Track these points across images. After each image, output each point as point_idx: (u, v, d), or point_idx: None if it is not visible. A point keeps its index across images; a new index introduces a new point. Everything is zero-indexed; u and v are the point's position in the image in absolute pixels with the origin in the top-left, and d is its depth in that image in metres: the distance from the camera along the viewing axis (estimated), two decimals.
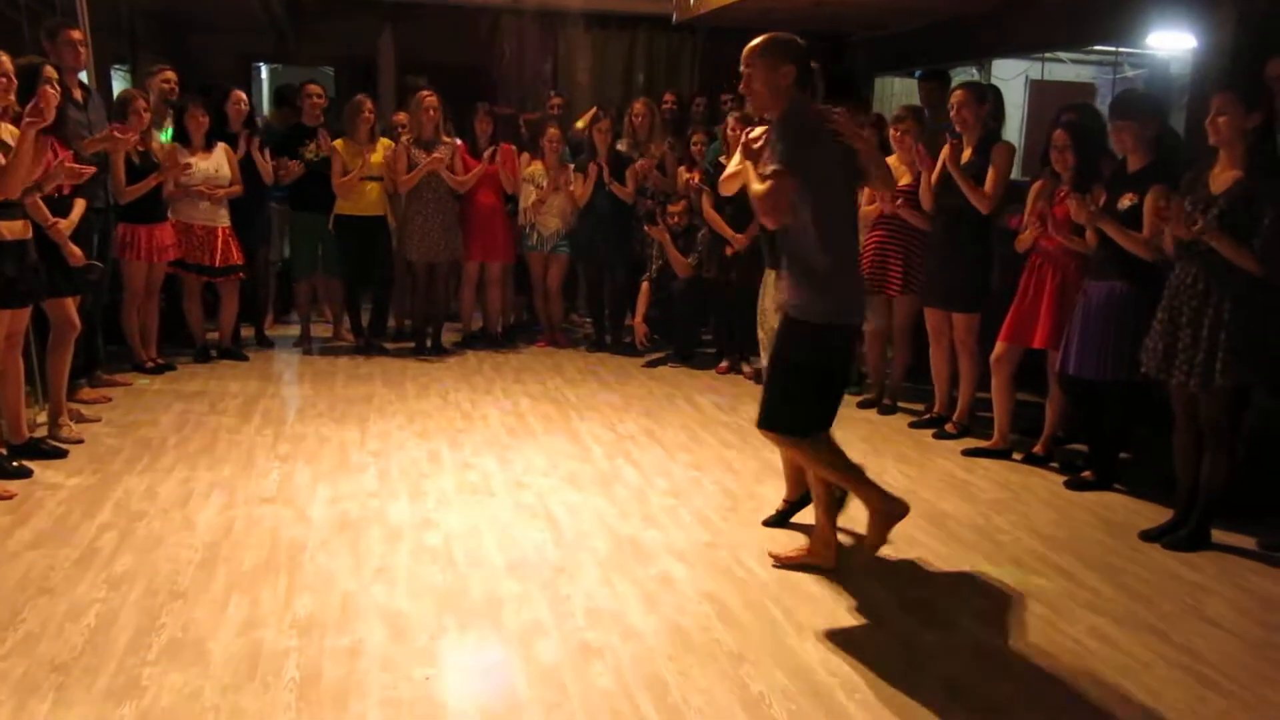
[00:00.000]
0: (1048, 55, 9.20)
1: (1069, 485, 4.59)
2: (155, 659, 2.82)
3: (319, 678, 2.76)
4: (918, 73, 7.41)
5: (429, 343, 6.91)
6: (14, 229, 4.12)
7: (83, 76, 5.41)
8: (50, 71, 4.51)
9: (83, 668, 2.76)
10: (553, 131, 6.88)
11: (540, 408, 5.60)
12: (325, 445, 4.79)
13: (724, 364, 6.54)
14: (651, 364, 6.66)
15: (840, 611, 3.27)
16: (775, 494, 4.32)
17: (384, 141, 6.73)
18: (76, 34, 5.27)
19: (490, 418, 5.37)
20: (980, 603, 3.39)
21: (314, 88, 6.83)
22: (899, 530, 3.92)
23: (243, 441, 4.81)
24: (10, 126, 4.15)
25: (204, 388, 5.77)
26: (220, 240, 6.21)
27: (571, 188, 6.83)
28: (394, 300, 7.32)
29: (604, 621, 3.14)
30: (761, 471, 4.62)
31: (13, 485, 4.08)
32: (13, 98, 4.12)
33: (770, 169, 3.13)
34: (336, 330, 7.20)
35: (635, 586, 3.40)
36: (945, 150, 5.09)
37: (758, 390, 6.06)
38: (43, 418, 4.80)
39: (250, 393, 5.69)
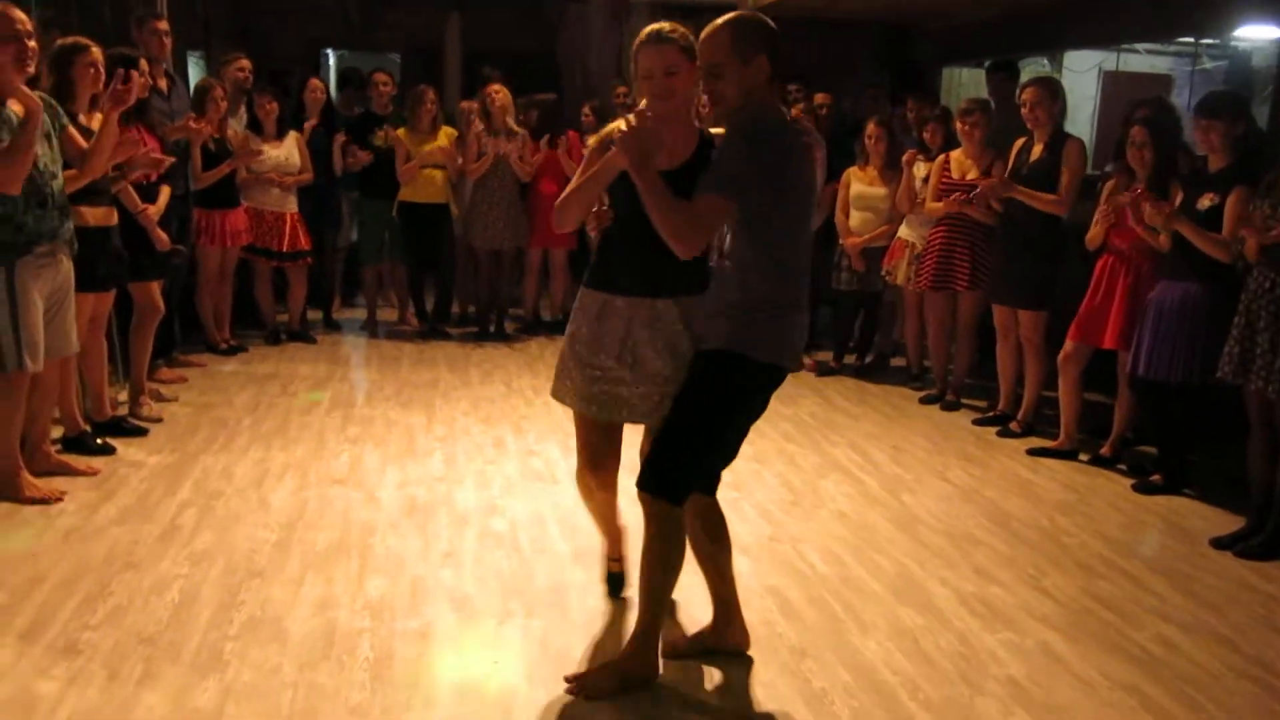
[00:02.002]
0: (1123, 46, 9.03)
1: (1137, 489, 4.53)
2: (236, 635, 2.92)
3: (391, 658, 2.84)
4: (986, 63, 7.33)
5: (492, 329, 7.01)
6: (98, 215, 4.27)
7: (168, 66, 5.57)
8: (143, 64, 4.66)
9: (168, 641, 2.87)
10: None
11: None
12: (393, 429, 4.89)
13: None
14: None
15: (903, 610, 3.27)
16: (837, 489, 4.35)
17: (446, 130, 6.81)
18: (162, 24, 5.43)
19: (553, 405, 5.40)
20: (1044, 606, 3.37)
21: (381, 76, 6.93)
22: (962, 529, 3.94)
23: (313, 423, 4.93)
24: (99, 116, 4.27)
25: (275, 370, 5.92)
26: (289, 226, 6.35)
27: None
28: (458, 286, 7.42)
29: (668, 611, 3.18)
30: (823, 466, 4.64)
31: (97, 462, 4.24)
32: (102, 87, 4.24)
33: (704, 190, 2.54)
34: (402, 315, 7.33)
35: (698, 578, 3.40)
36: (1015, 150, 5.04)
37: (819, 384, 6.14)
38: (124, 396, 4.97)
39: (319, 375, 5.82)
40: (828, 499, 4.23)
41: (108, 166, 4.10)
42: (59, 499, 3.85)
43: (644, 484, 2.68)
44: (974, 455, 4.92)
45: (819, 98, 6.82)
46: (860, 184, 6.08)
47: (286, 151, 6.30)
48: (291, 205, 6.37)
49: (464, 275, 7.37)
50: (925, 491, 4.39)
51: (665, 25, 2.74)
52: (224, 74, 6.35)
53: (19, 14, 3.53)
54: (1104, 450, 4.87)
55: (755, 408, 2.77)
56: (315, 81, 6.73)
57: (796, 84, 7.35)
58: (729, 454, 2.80)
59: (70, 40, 4.04)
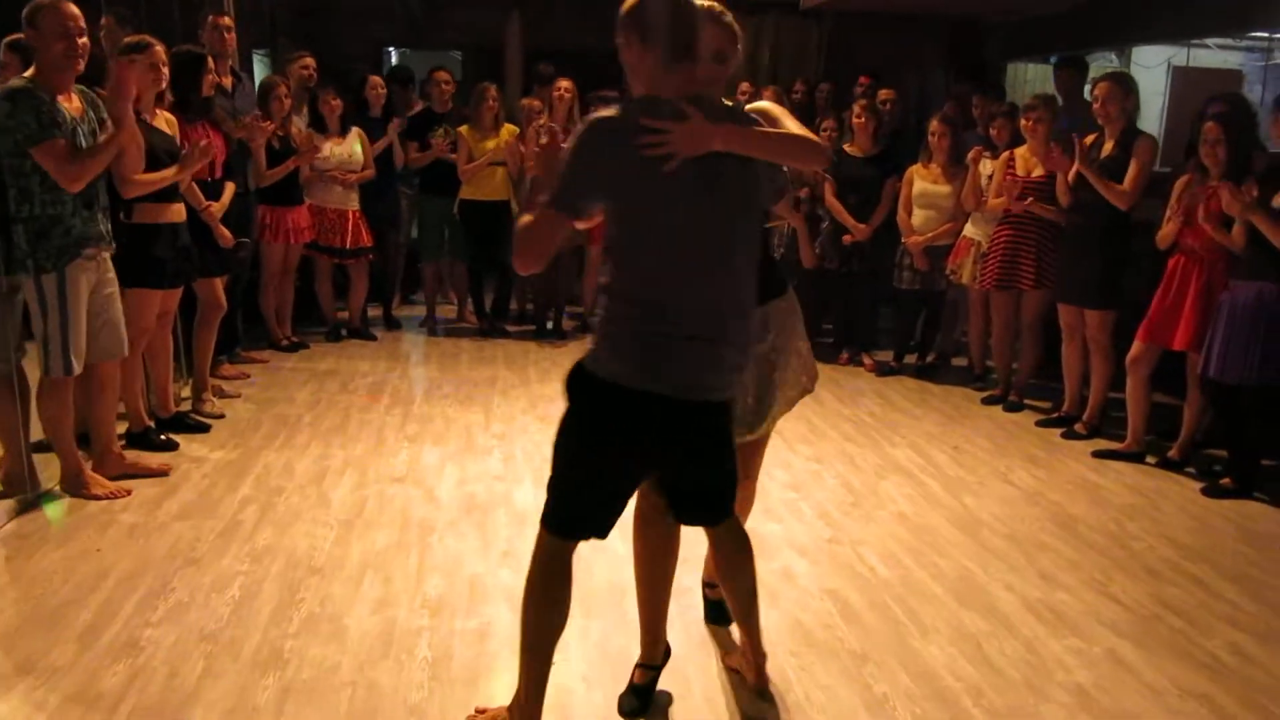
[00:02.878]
0: (1194, 41, 8.77)
1: (1207, 492, 4.40)
2: (296, 632, 2.95)
3: (450, 658, 2.85)
4: (1053, 59, 7.16)
5: (550, 326, 7.02)
6: (164, 212, 4.32)
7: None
8: (209, 62, 4.74)
9: (229, 638, 2.91)
10: None
11: None
12: (451, 427, 4.92)
13: (845, 355, 6.46)
14: None
15: (965, 614, 3.21)
16: (898, 490, 4.28)
17: (508, 127, 6.82)
18: (225, 20, 5.51)
19: None
20: (1111, 611, 3.28)
21: (442, 74, 6.97)
22: (1026, 532, 3.85)
23: (373, 421, 4.97)
24: (167, 114, 4.36)
25: (335, 366, 5.98)
26: (350, 223, 6.41)
27: None
28: (517, 284, 7.44)
29: (726, 615, 3.14)
30: (883, 467, 4.57)
31: (159, 458, 4.31)
32: (166, 86, 4.31)
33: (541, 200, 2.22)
34: (460, 312, 7.37)
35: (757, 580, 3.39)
36: (1081, 146, 4.91)
37: (879, 383, 6.05)
38: (187, 392, 5.05)
39: (379, 372, 5.88)
40: (888, 500, 4.17)
41: (166, 178, 4.14)
42: (126, 494, 3.92)
43: None
44: (1038, 457, 4.81)
45: (883, 93, 6.73)
46: (923, 181, 5.98)
47: (349, 149, 6.36)
48: (353, 202, 6.43)
49: None
50: (988, 494, 4.30)
51: (716, 4, 2.41)
52: (289, 72, 6.43)
53: (72, 9, 3.55)
54: (1172, 453, 4.74)
55: (605, 435, 2.29)
56: (375, 79, 6.79)
57: (865, 78, 7.29)
58: (589, 485, 2.36)
59: (134, 38, 4.10)
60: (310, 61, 6.50)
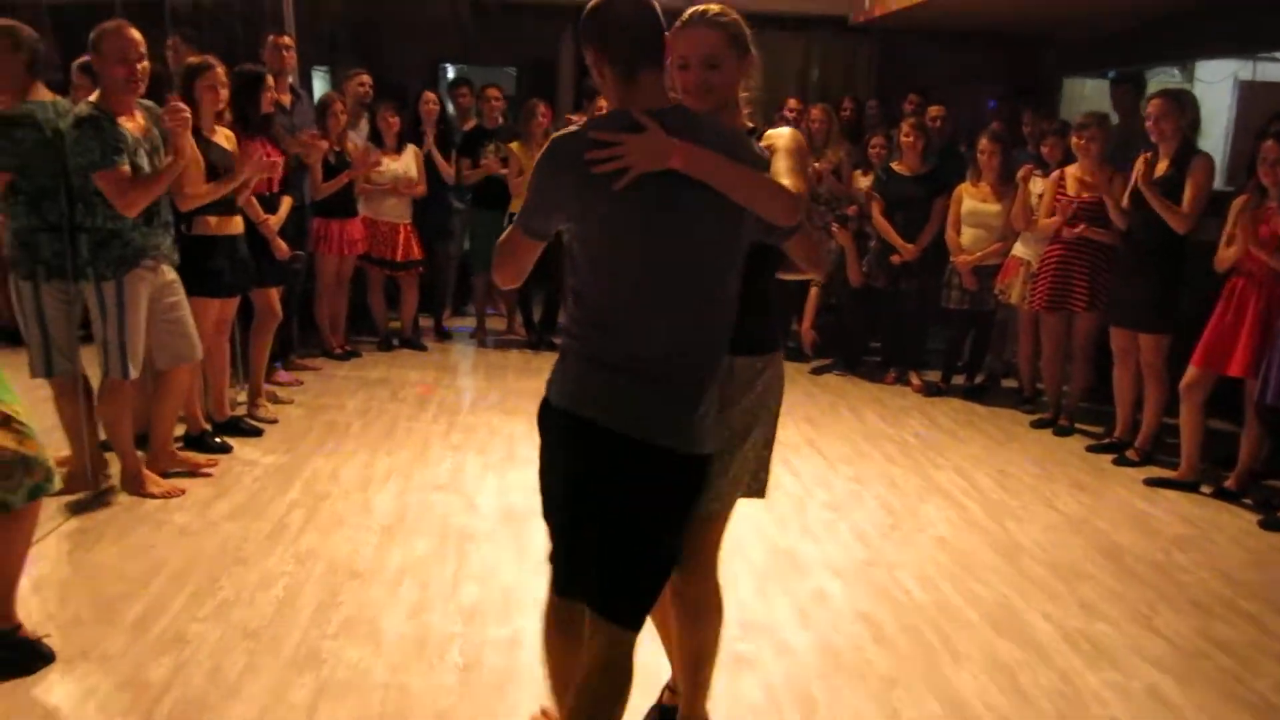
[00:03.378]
0: (1261, 54, 8.58)
1: (1264, 525, 4.29)
2: (334, 634, 3.02)
3: (481, 665, 2.89)
4: (1110, 74, 7.07)
5: None
6: (224, 224, 4.47)
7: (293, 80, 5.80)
8: (268, 80, 4.88)
9: (270, 636, 2.98)
10: None
11: None
12: (495, 437, 4.98)
13: (891, 375, 6.42)
14: (817, 371, 6.60)
15: (1000, 643, 3.17)
16: (939, 513, 4.25)
17: None
18: (285, 39, 5.67)
19: None
20: (1154, 646, 3.22)
21: (493, 91, 7.07)
22: (1069, 560, 3.80)
23: (418, 430, 5.05)
24: (226, 131, 4.49)
25: (386, 375, 6.09)
26: (402, 236, 6.53)
27: None
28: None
29: (757, 633, 3.15)
30: (925, 490, 4.53)
31: (215, 459, 4.43)
32: (226, 104, 4.45)
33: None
34: (510, 324, 7.45)
35: (790, 600, 3.40)
36: (1138, 165, 4.84)
37: (925, 404, 6.01)
38: (242, 397, 5.18)
39: (428, 382, 5.97)
40: (928, 523, 4.14)
41: (226, 188, 4.27)
42: (180, 494, 4.04)
43: None
44: (1086, 483, 4.74)
45: (933, 110, 6.69)
46: (972, 200, 5.94)
47: (404, 164, 6.48)
48: (406, 216, 6.55)
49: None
50: (1031, 519, 4.25)
51: (714, 6, 2.24)
52: (346, 89, 6.57)
53: (134, 35, 3.69)
54: (1228, 483, 4.63)
55: (553, 458, 2.13)
56: (429, 94, 6.91)
57: (914, 96, 7.25)
58: (555, 529, 2.18)
59: (197, 59, 4.24)
60: (367, 78, 6.64)
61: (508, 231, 2.13)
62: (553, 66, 9.21)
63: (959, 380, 6.28)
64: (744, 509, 4.10)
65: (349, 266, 6.36)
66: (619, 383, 2.01)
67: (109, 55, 3.65)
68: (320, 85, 8.32)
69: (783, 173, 2.17)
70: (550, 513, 2.17)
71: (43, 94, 3.73)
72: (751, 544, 3.83)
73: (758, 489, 2.50)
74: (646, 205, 1.96)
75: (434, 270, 7.01)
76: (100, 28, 3.67)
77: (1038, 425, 5.59)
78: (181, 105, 3.92)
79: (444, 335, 7.22)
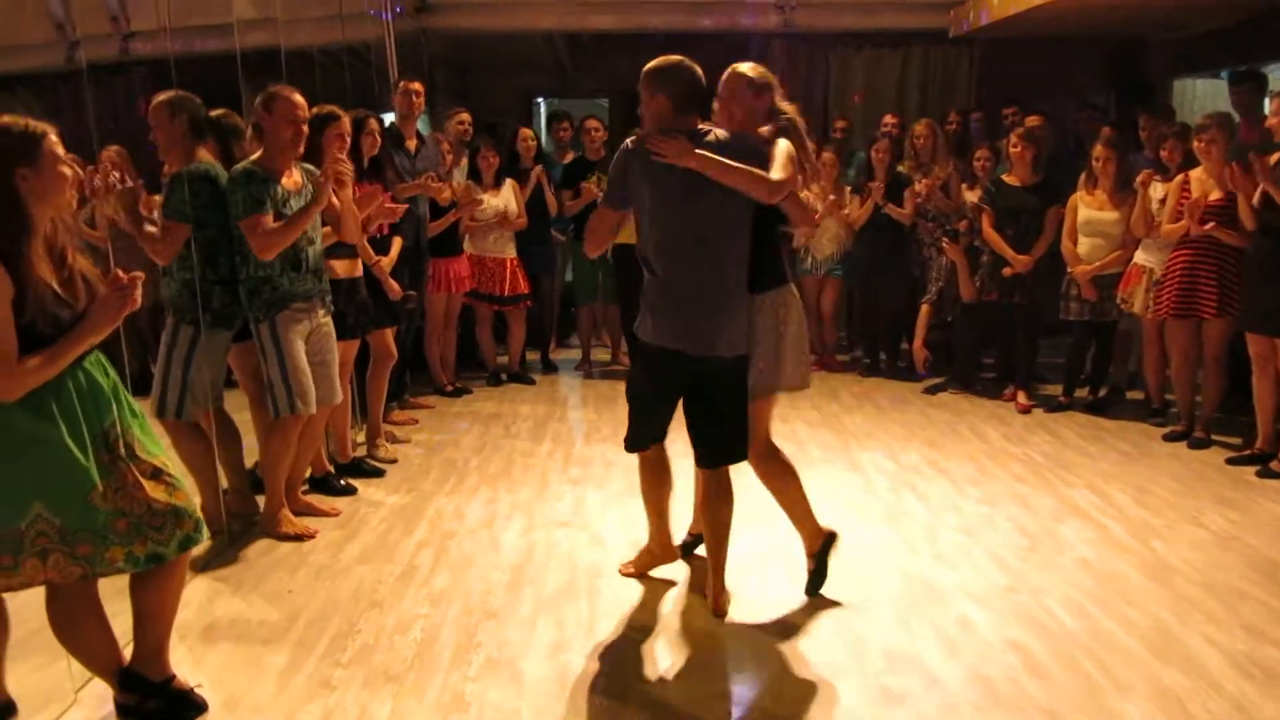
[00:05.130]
0: None
1: None
2: (476, 676, 3.02)
3: (626, 702, 2.85)
4: (1226, 74, 6.80)
5: None
6: (346, 267, 4.59)
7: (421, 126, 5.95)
8: (371, 124, 4.99)
9: (413, 681, 2.99)
10: (828, 155, 6.83)
11: (818, 435, 5.55)
12: (612, 469, 4.96)
13: (1009, 391, 6.23)
14: (931, 390, 6.46)
15: (1164, 670, 3.02)
16: (1077, 534, 4.10)
17: None
18: (416, 85, 5.81)
19: None
20: None
21: (592, 122, 7.12)
22: (1224, 580, 3.63)
23: (536, 465, 5.07)
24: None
25: (498, 410, 6.14)
26: (508, 270, 6.61)
27: (846, 211, 6.75)
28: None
29: (903, 666, 3.06)
30: (1060, 509, 4.37)
31: (340, 502, 4.51)
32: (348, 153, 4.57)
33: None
34: (615, 354, 7.47)
35: (932, 629, 3.29)
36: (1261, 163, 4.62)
37: (1049, 420, 5.81)
38: (361, 438, 5.27)
39: (539, 416, 6.00)
40: (1067, 545, 3.98)
41: (359, 233, 4.40)
42: (313, 535, 4.12)
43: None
44: (1231, 498, 4.51)
45: (1030, 120, 6.52)
46: (1088, 208, 5.75)
47: (505, 199, 6.56)
48: (510, 250, 6.62)
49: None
50: (1178, 538, 4.06)
51: (742, 66, 3.45)
52: (446, 128, 6.70)
53: (300, 100, 3.92)
54: None
55: (645, 380, 3.44)
56: (526, 131, 7.00)
57: (1010, 107, 7.09)
58: (642, 415, 3.50)
59: (325, 109, 4.37)
60: (466, 117, 6.75)
61: (595, 212, 3.38)
62: (638, 97, 9.24)
63: (1082, 394, 6.07)
64: (875, 536, 4.04)
65: (457, 304, 6.45)
66: (672, 317, 3.22)
67: (279, 116, 3.86)
68: (421, 126, 8.48)
69: (775, 166, 3.15)
70: (638, 403, 3.46)
71: (206, 156, 3.95)
72: (885, 572, 3.74)
73: (793, 382, 3.52)
74: (680, 185, 3.10)
75: (539, 304, 7.07)
76: (271, 89, 3.90)
77: (1171, 438, 5.36)
78: (344, 159, 4.12)
79: (550, 368, 7.27)
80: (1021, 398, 6.08)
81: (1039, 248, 5.89)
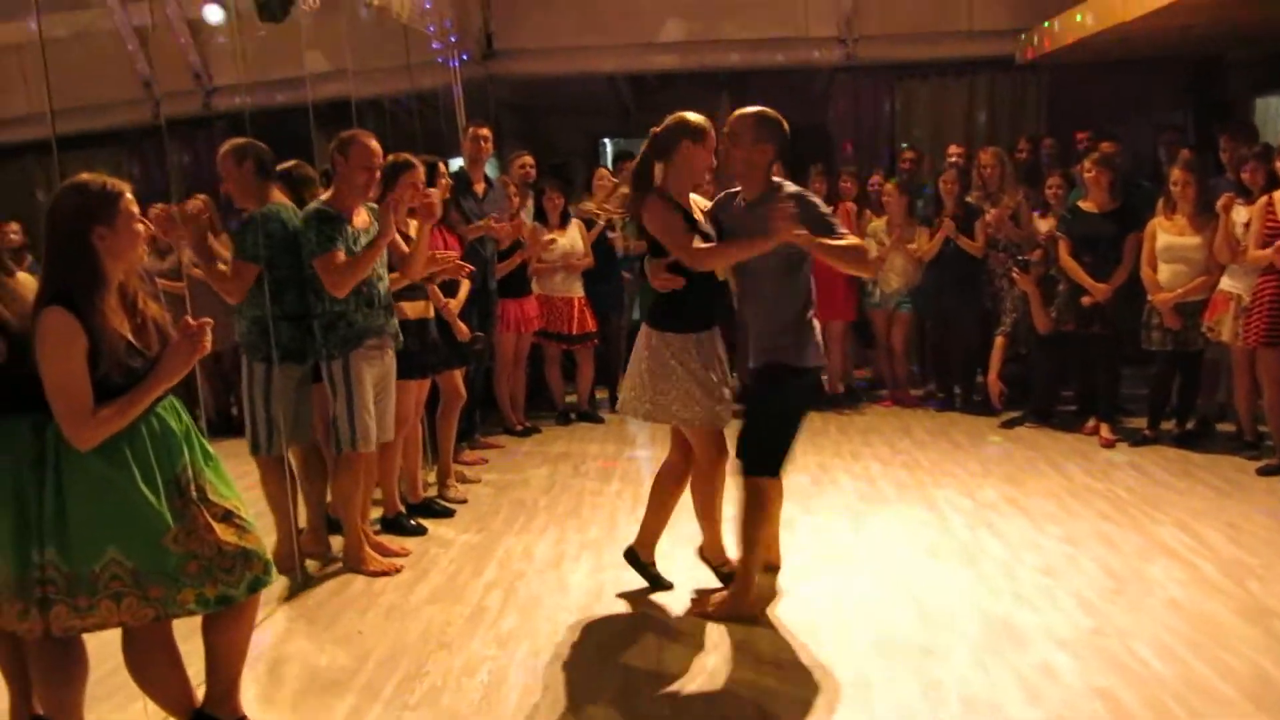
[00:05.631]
0: None
1: None
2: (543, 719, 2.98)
3: None
4: None
5: None
6: (417, 309, 4.65)
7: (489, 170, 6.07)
8: (441, 167, 5.08)
9: None
10: (891, 187, 6.76)
11: (892, 472, 5.43)
12: (681, 509, 4.88)
13: (1090, 424, 6.03)
14: (1007, 424, 6.29)
15: None
16: (1167, 574, 3.93)
17: None
18: (484, 130, 5.92)
19: (841, 482, 5.29)
20: None
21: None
22: None
23: (604, 505, 5.04)
24: (413, 220, 4.67)
25: (566, 449, 6.14)
26: (576, 309, 6.64)
27: (914, 244, 6.65)
28: (736, 361, 7.43)
29: (982, 712, 2.95)
30: (1148, 548, 4.19)
31: (410, 542, 4.53)
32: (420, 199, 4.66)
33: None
34: None
35: (1013, 675, 3.17)
36: None
37: (1133, 454, 5.61)
38: (431, 478, 5.30)
39: (608, 455, 5.98)
40: (1156, 586, 3.81)
41: (425, 272, 4.47)
42: (398, 571, 4.17)
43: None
44: None
45: (1105, 145, 6.37)
46: (1168, 234, 5.58)
47: (571, 239, 6.61)
48: (578, 289, 6.66)
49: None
50: (1275, 578, 3.85)
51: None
52: (510, 171, 6.78)
53: (376, 146, 4.04)
54: None
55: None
56: (602, 170, 7.06)
57: (1084, 132, 6.94)
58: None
59: (401, 157, 4.49)
60: (529, 160, 6.82)
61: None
62: None
63: (1168, 427, 5.85)
64: (952, 576, 3.92)
65: (526, 344, 6.49)
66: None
67: (355, 161, 3.99)
68: (488, 169, 8.62)
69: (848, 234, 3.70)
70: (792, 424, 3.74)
71: (279, 197, 4.06)
72: (962, 613, 3.62)
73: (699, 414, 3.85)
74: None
75: (606, 342, 7.08)
76: (347, 134, 4.02)
77: (1266, 472, 5.12)
78: (432, 193, 4.30)
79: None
80: (1104, 431, 5.88)
81: (1118, 275, 5.73)
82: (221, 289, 3.98)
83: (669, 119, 3.75)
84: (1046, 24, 7.13)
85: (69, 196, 2.54)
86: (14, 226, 6.36)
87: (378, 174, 4.08)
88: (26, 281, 2.71)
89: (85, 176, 2.56)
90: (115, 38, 7.22)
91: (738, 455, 3.67)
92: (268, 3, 5.72)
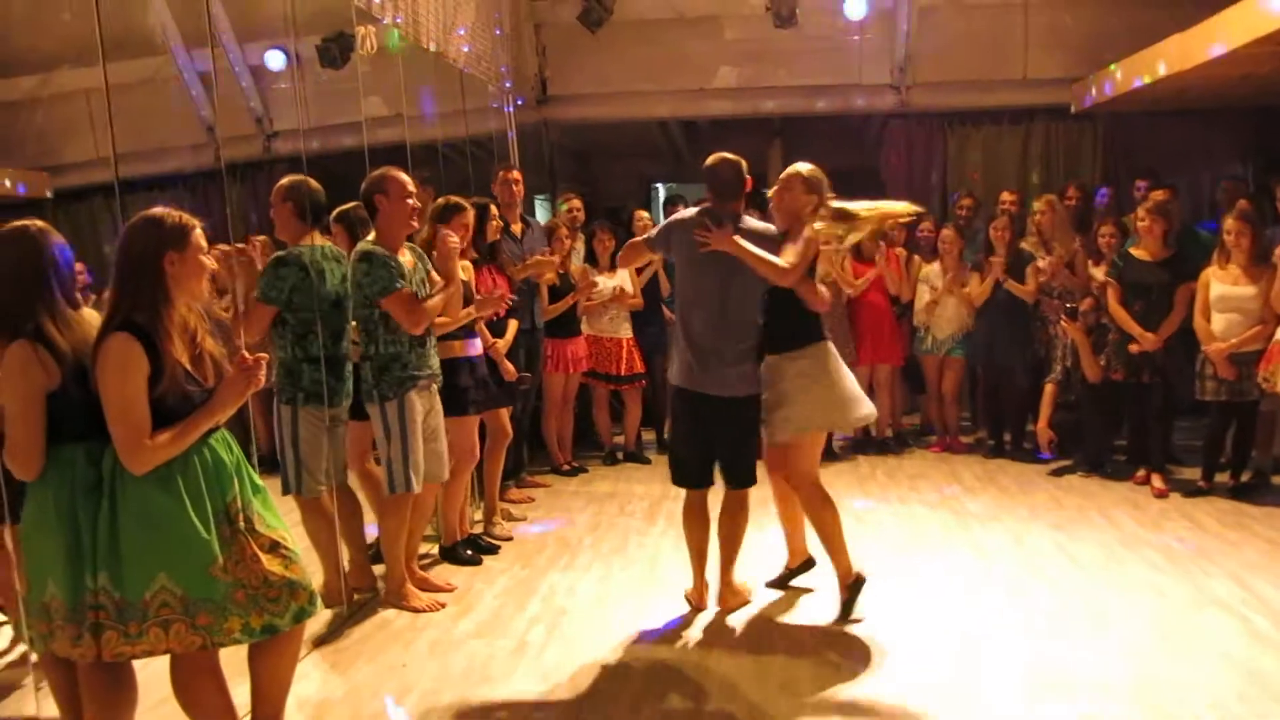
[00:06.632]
0: None
1: None
2: None
3: None
4: None
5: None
6: (466, 348, 4.72)
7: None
8: (493, 210, 5.20)
9: None
10: (948, 233, 6.76)
11: (939, 516, 5.39)
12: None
13: (1141, 474, 5.94)
14: (1057, 472, 6.21)
15: None
16: (1219, 628, 3.85)
17: None
18: (513, 174, 6.04)
19: (885, 525, 5.26)
20: None
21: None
22: None
23: (649, 544, 5.06)
24: (465, 262, 4.78)
25: (613, 489, 6.18)
26: (624, 350, 6.70)
27: (967, 289, 6.64)
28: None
29: None
30: (1198, 601, 4.11)
31: (459, 576, 4.60)
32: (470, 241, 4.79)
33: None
34: None
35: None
36: None
37: (1186, 505, 5.50)
38: (478, 515, 5.37)
39: (654, 495, 6.00)
40: (1208, 639, 3.73)
41: (478, 312, 4.57)
42: (442, 607, 4.22)
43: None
44: None
45: (1157, 194, 6.32)
46: (1222, 284, 5.51)
47: (620, 280, 6.69)
48: (626, 330, 6.73)
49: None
50: None
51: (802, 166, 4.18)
52: (559, 214, 6.90)
53: (408, 178, 4.12)
54: None
55: (678, 420, 4.21)
56: (641, 212, 7.15)
57: (1144, 179, 6.90)
58: (682, 454, 4.21)
59: (453, 200, 4.62)
60: (577, 203, 6.92)
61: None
62: (760, 179, 9.34)
63: (1223, 478, 5.74)
64: (1000, 623, 3.88)
65: (574, 384, 6.56)
66: (698, 367, 3.94)
67: (394, 193, 4.04)
68: (542, 212, 8.78)
69: (787, 253, 3.84)
70: (681, 445, 4.16)
71: (316, 239, 4.14)
72: (1009, 661, 3.58)
73: (838, 423, 4.29)
74: (707, 261, 3.85)
75: (653, 383, 7.13)
76: (380, 173, 4.09)
77: None
78: (450, 233, 4.30)
79: (666, 447, 7.27)
80: (1156, 481, 5.78)
81: (1168, 325, 5.66)
82: (235, 329, 3.99)
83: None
84: (1111, 67, 7.04)
85: (144, 225, 2.66)
86: (79, 266, 6.55)
87: (415, 205, 4.08)
88: (89, 316, 2.82)
89: (160, 209, 2.69)
90: (179, 84, 7.49)
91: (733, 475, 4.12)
92: (327, 48, 5.93)
